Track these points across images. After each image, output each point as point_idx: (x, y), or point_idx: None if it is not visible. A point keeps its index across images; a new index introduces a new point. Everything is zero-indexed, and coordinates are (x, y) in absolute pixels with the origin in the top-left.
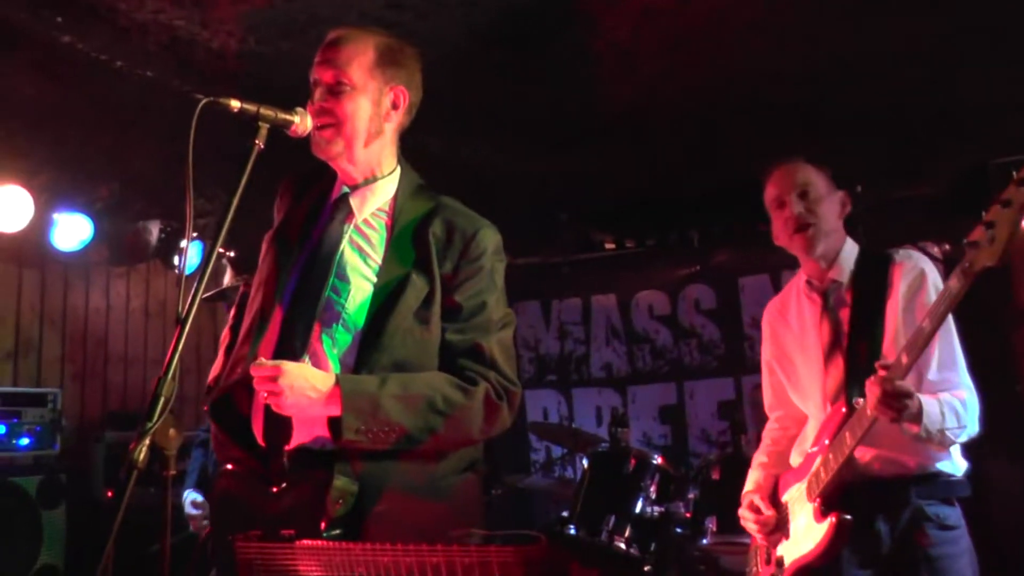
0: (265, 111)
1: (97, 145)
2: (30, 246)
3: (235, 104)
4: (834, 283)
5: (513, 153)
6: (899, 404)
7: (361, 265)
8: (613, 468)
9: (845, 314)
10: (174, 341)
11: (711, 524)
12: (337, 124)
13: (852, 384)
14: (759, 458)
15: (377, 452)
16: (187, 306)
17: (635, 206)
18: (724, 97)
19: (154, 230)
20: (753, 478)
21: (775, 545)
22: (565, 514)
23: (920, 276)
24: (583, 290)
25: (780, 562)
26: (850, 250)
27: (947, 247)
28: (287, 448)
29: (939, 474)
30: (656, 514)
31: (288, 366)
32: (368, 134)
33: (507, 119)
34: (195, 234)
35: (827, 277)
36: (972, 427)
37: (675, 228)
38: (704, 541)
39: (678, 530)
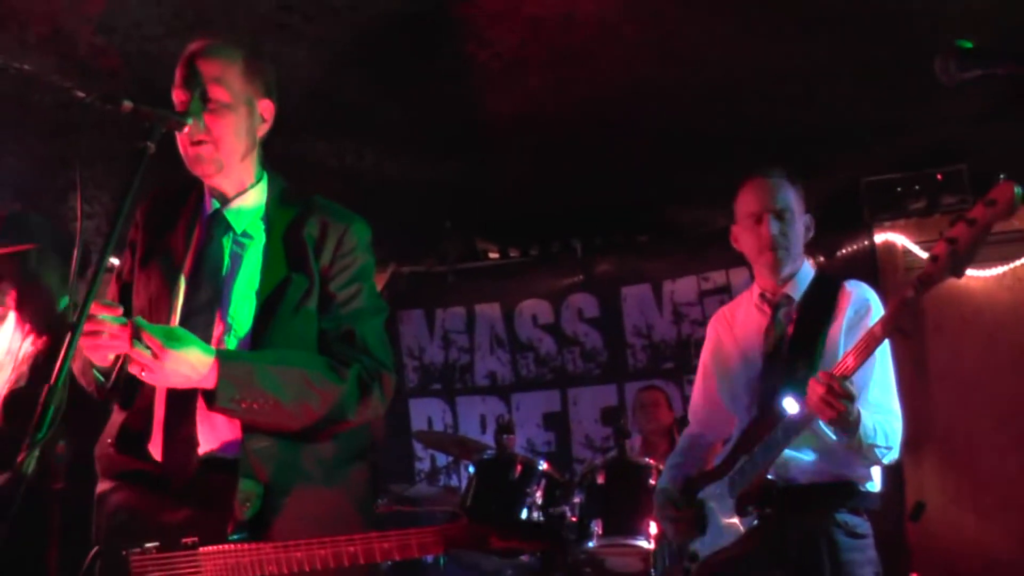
0: (159, 112)
1: None
2: None
3: (127, 104)
4: (786, 297)
5: (398, 160)
6: (840, 404)
7: (244, 275)
8: (499, 475)
9: (791, 330)
10: (64, 349)
11: (596, 527)
12: (214, 141)
13: (784, 392)
14: (674, 459)
15: (277, 449)
16: (78, 313)
17: (518, 216)
18: (608, 111)
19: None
20: (666, 476)
21: (687, 541)
22: None
23: (866, 304)
24: (467, 299)
25: (694, 556)
26: (807, 271)
27: (821, 259)
28: (197, 457)
29: (853, 484)
30: (542, 519)
31: (180, 332)
32: (244, 148)
33: (393, 126)
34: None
35: (780, 292)
36: (895, 451)
37: (558, 238)
38: (590, 544)
39: (570, 534)
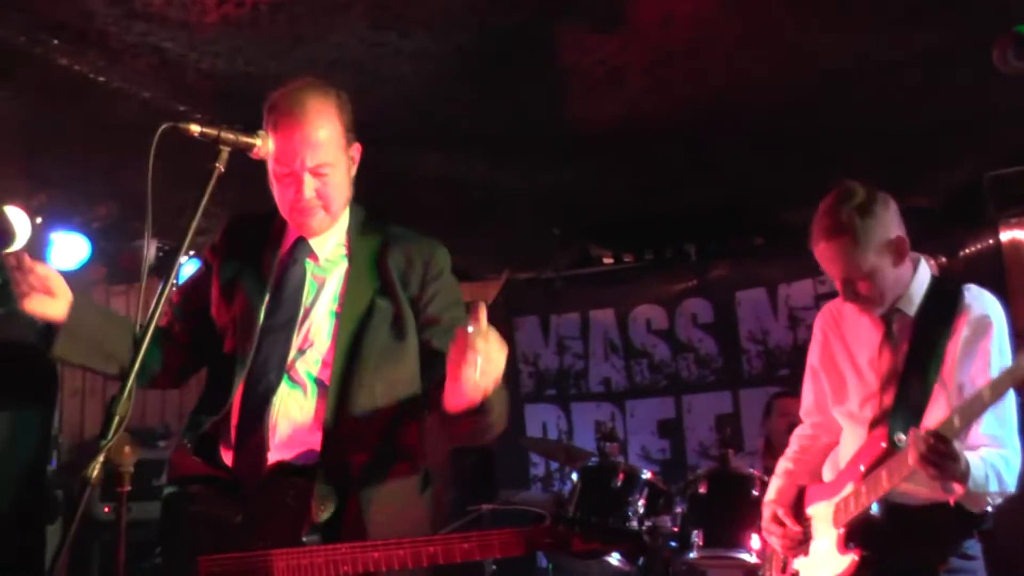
0: (226, 135)
1: (94, 165)
2: None
3: (195, 128)
4: (898, 311)
5: (509, 169)
6: (943, 464)
7: (326, 297)
8: (602, 483)
9: (905, 347)
10: (131, 362)
11: (697, 538)
12: (325, 205)
13: (896, 417)
14: (784, 464)
15: (362, 463)
16: (145, 324)
17: (632, 221)
18: (715, 112)
19: (152, 248)
20: (776, 486)
21: (792, 557)
22: None
23: (984, 321)
24: (581, 305)
25: (796, 574)
26: (920, 280)
27: (943, 260)
28: (267, 464)
29: (969, 509)
30: (644, 528)
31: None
32: (347, 197)
33: (501, 135)
34: (192, 252)
35: (892, 306)
36: (1011, 488)
37: (672, 242)
38: (691, 555)
39: (672, 544)
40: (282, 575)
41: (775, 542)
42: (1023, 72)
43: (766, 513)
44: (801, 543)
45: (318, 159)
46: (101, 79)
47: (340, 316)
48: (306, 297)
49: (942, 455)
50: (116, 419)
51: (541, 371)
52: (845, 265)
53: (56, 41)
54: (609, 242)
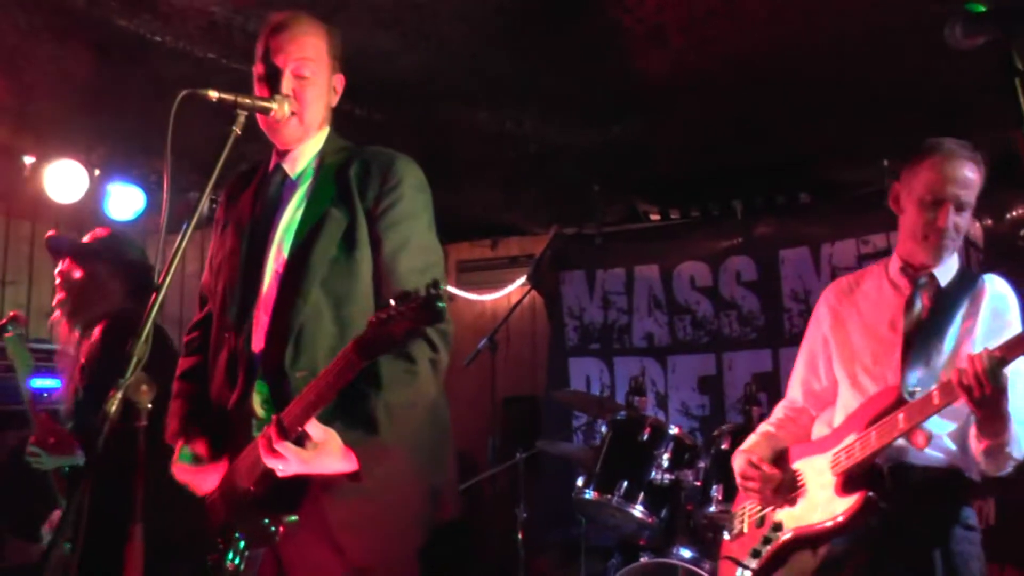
0: (242, 99)
1: (151, 121)
2: (86, 215)
3: (213, 94)
4: (930, 276)
5: (557, 126)
6: (989, 386)
7: (290, 210)
8: (629, 436)
9: (926, 314)
10: (149, 307)
11: (717, 493)
12: (299, 113)
13: (912, 372)
14: (765, 428)
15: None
16: (163, 275)
17: (679, 177)
18: (760, 68)
19: (205, 200)
20: (750, 442)
21: (773, 509)
22: (580, 480)
23: (1005, 301)
24: (627, 260)
25: (778, 526)
26: (955, 258)
27: (988, 222)
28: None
29: (964, 473)
30: (667, 482)
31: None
32: (322, 118)
33: (548, 93)
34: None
35: (926, 269)
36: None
37: (717, 199)
38: (710, 509)
39: (696, 499)
40: (246, 473)
41: (751, 486)
42: (971, 49)
43: (739, 463)
44: (783, 491)
45: (300, 59)
46: (157, 39)
47: (298, 226)
48: (277, 216)
49: (994, 378)
50: (135, 360)
51: (586, 325)
52: (969, 186)
53: (114, 3)
54: (656, 198)
